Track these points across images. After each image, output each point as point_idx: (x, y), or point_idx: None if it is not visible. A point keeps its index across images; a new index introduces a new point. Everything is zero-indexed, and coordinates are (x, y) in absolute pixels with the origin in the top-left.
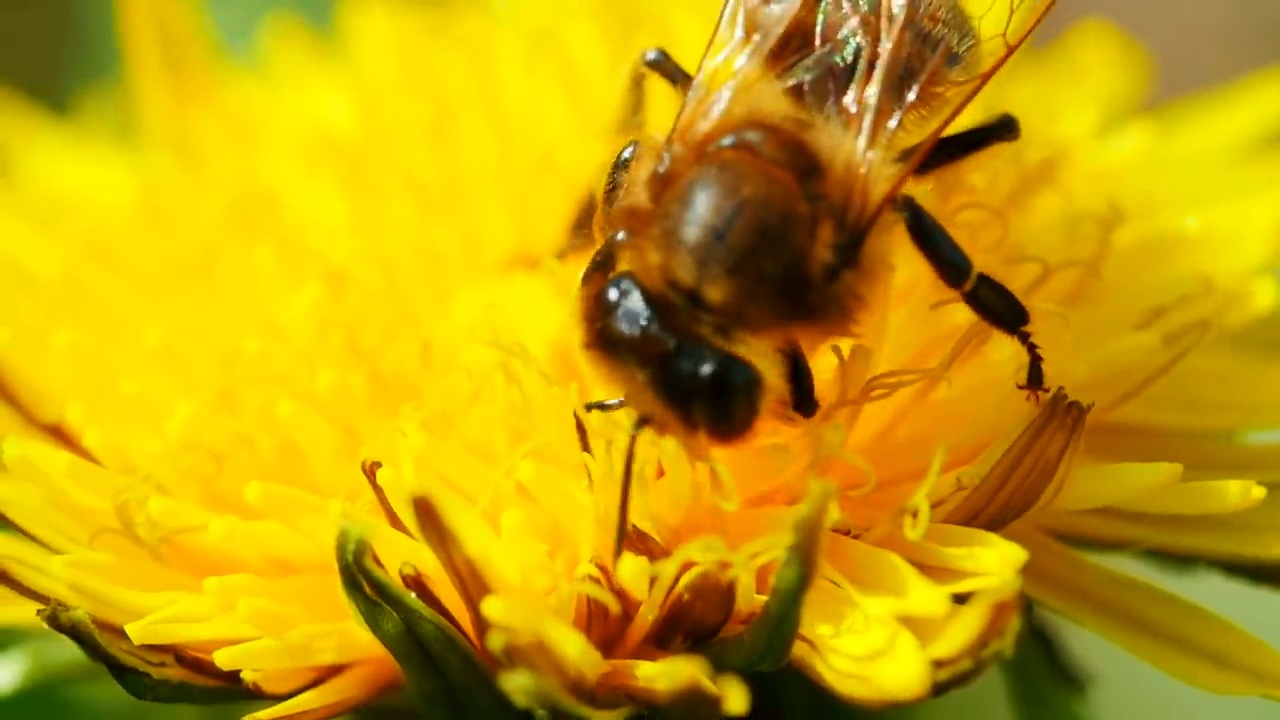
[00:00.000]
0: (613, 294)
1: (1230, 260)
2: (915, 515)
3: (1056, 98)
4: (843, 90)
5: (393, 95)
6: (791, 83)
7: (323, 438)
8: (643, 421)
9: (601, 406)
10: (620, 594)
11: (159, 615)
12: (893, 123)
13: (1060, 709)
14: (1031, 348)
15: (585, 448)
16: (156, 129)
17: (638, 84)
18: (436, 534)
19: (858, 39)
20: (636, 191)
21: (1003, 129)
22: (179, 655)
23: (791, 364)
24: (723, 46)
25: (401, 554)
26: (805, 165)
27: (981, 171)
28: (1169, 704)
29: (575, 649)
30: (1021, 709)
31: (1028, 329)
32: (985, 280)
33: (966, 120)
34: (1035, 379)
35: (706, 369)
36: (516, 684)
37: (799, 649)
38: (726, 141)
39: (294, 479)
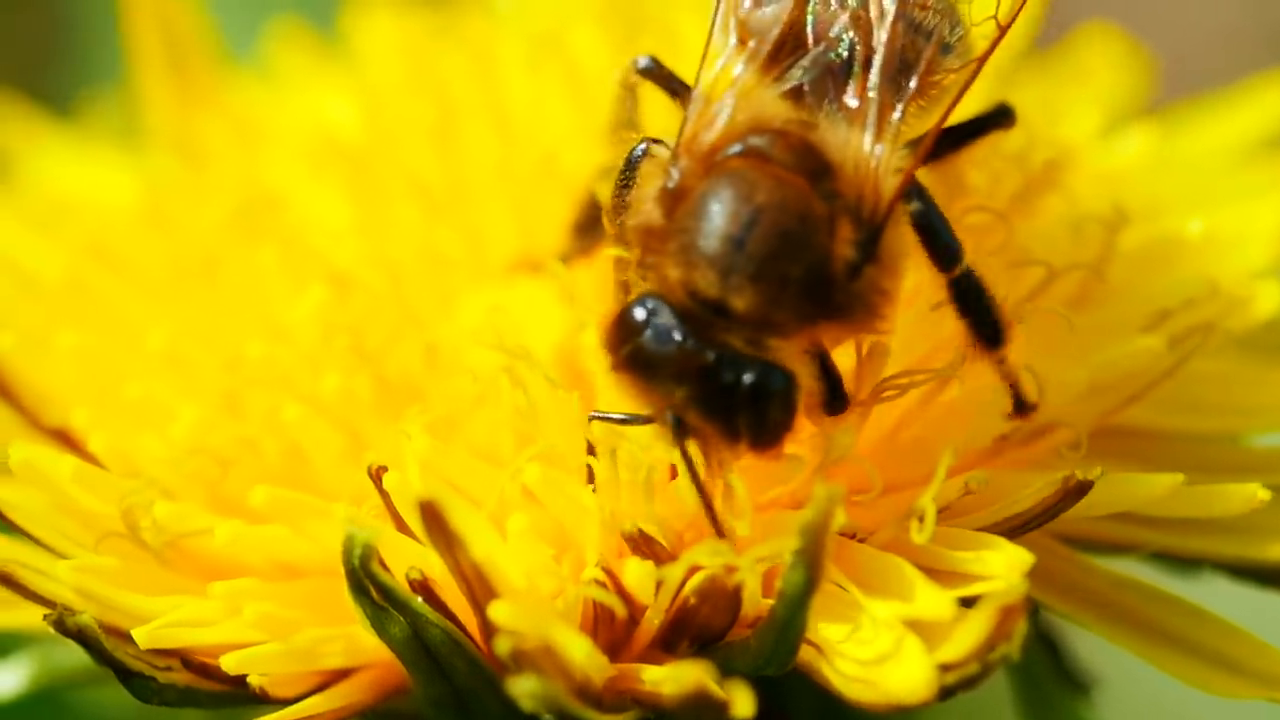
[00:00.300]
0: (639, 313)
1: (1235, 263)
2: (921, 519)
3: (1061, 99)
4: (842, 88)
5: (396, 98)
6: (790, 85)
7: (328, 441)
8: (680, 428)
9: (610, 419)
10: (626, 598)
11: (165, 619)
12: (896, 115)
13: (1066, 712)
14: (1006, 375)
15: (591, 451)
16: (160, 131)
17: (631, 91)
18: (443, 538)
19: (850, 35)
20: (647, 209)
21: (999, 117)
22: (185, 659)
23: (820, 363)
24: (718, 55)
25: (408, 558)
26: (815, 166)
27: (985, 173)
28: (1174, 707)
29: (582, 653)
30: (1028, 712)
31: (1005, 354)
32: (973, 276)
33: (965, 113)
34: (1020, 408)
35: (748, 378)
36: (523, 688)
37: (805, 653)
38: (734, 150)
39: (299, 483)
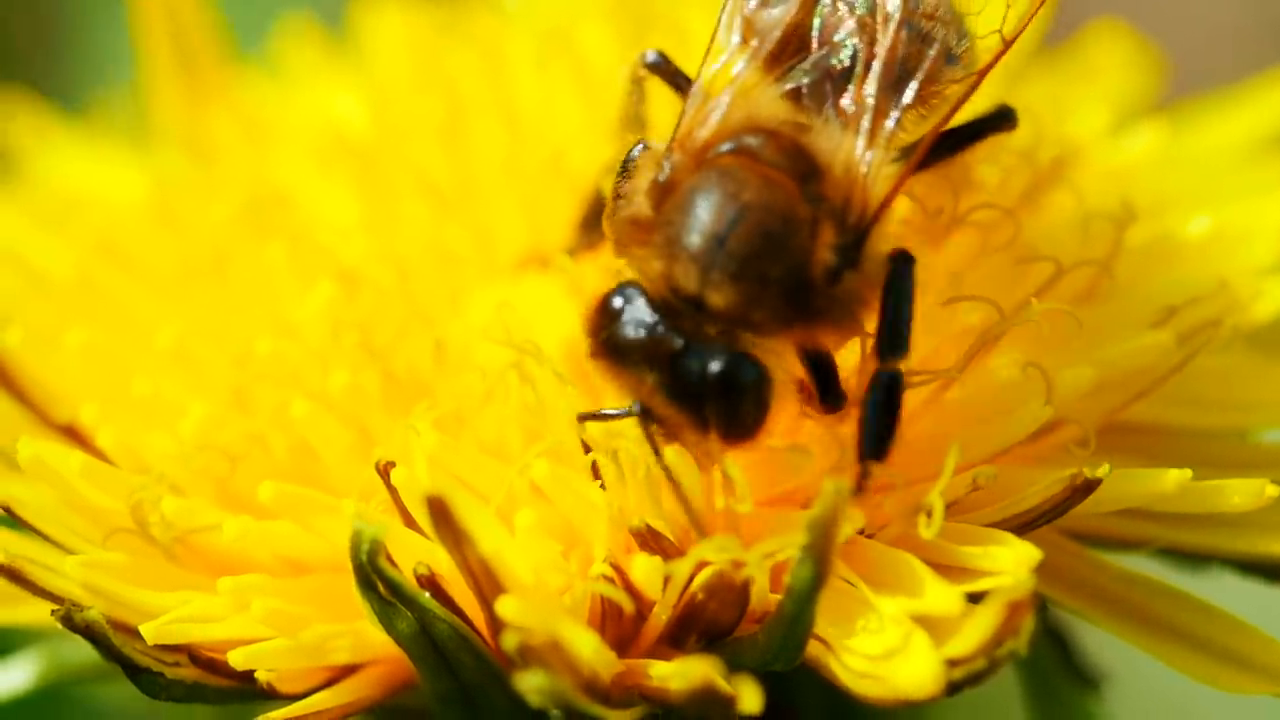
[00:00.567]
0: (617, 301)
1: (1242, 260)
2: (930, 514)
3: (1069, 97)
4: (840, 92)
5: (405, 95)
6: (790, 86)
7: (336, 437)
8: (647, 417)
9: (596, 417)
10: (634, 593)
11: (173, 615)
12: (890, 122)
13: (1075, 708)
14: (861, 484)
15: (586, 449)
16: (169, 128)
17: (638, 85)
18: (451, 534)
19: (854, 41)
20: (638, 201)
21: (1000, 120)
22: (193, 655)
23: (811, 359)
24: (721, 52)
25: (415, 554)
26: (804, 168)
27: (994, 170)
28: (1183, 703)
29: (589, 648)
30: (1036, 708)
31: (873, 468)
32: (899, 382)
33: (968, 115)
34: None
35: (716, 367)
36: (531, 683)
37: (813, 648)
38: (725, 148)
39: (307, 479)
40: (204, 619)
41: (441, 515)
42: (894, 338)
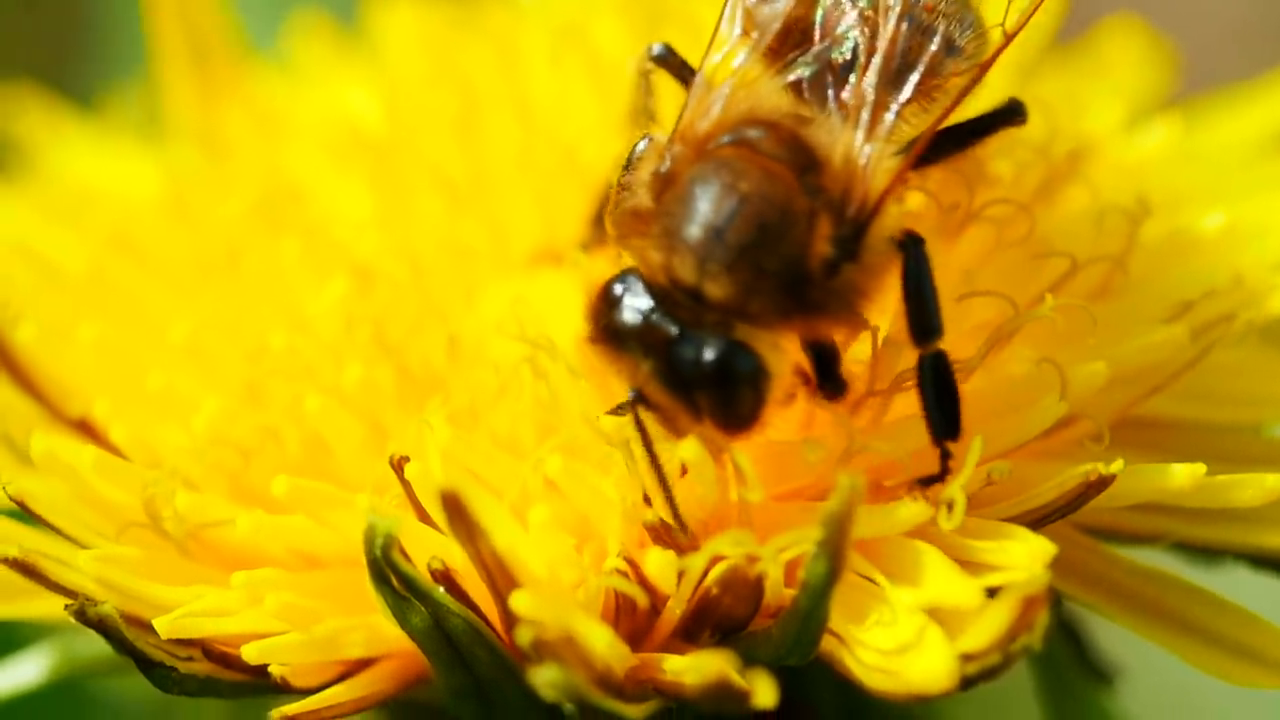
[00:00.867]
0: (617, 289)
1: (1256, 254)
2: (951, 506)
3: (1083, 92)
4: (841, 85)
5: (419, 90)
6: (791, 78)
7: (350, 432)
8: (642, 403)
9: (620, 411)
10: (648, 588)
11: (186, 609)
12: (890, 115)
13: (1089, 703)
14: (944, 465)
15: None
16: (183, 123)
17: (646, 78)
18: (464, 528)
19: (855, 33)
20: (640, 192)
21: (1010, 114)
22: (206, 649)
23: (813, 348)
24: (723, 44)
25: (429, 548)
26: (804, 160)
27: (1009, 165)
28: (1197, 697)
29: (603, 643)
30: (1050, 703)
31: (952, 446)
32: (944, 359)
33: (978, 109)
34: (925, 484)
35: (710, 354)
36: (544, 678)
37: (827, 643)
38: (725, 139)
39: (321, 473)
40: (217, 613)
41: (455, 510)
42: (923, 321)
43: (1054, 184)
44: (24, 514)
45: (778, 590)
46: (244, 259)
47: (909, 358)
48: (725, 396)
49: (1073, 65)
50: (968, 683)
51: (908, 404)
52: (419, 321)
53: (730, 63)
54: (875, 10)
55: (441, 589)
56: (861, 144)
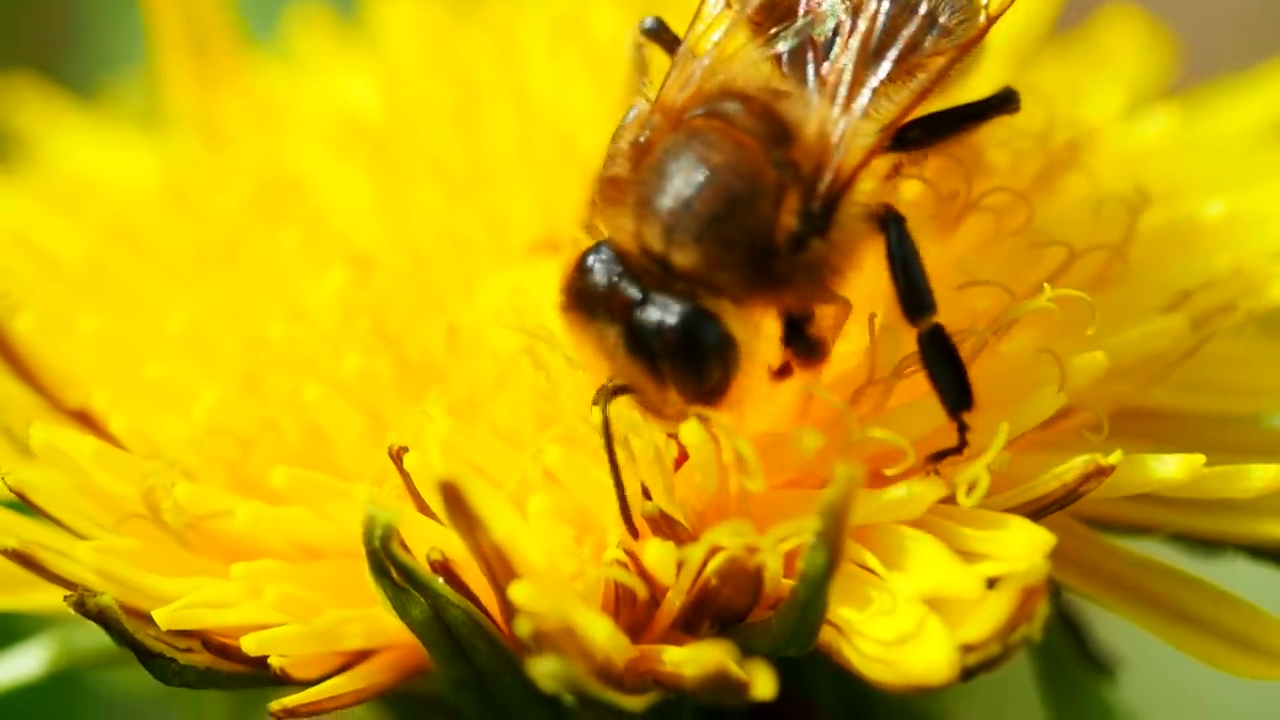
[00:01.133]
0: (590, 258)
1: (1256, 244)
2: (970, 488)
3: (1082, 81)
4: (821, 59)
5: (417, 80)
6: (773, 51)
7: (349, 422)
8: (618, 390)
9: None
10: (647, 579)
11: (186, 600)
12: (866, 91)
13: (1088, 694)
14: (962, 438)
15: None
16: (182, 113)
17: (639, 52)
18: (464, 519)
19: (838, 7)
20: (619, 161)
21: (1003, 101)
22: (206, 641)
23: (789, 319)
24: (706, 17)
25: (428, 539)
26: (776, 134)
27: (1007, 153)
28: (1196, 688)
29: (603, 634)
30: (1049, 694)
31: (968, 418)
32: (941, 333)
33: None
34: (939, 458)
35: (671, 319)
36: (544, 669)
37: (827, 633)
38: (700, 111)
39: (320, 464)
40: (217, 604)
41: (454, 500)
42: (915, 299)
43: (1053, 172)
44: (23, 505)
45: (777, 581)
46: (243, 249)
47: (908, 343)
48: (689, 364)
49: (1072, 53)
50: (968, 673)
51: (908, 391)
52: (418, 312)
53: (711, 35)
54: None
55: (441, 580)
56: (836, 119)
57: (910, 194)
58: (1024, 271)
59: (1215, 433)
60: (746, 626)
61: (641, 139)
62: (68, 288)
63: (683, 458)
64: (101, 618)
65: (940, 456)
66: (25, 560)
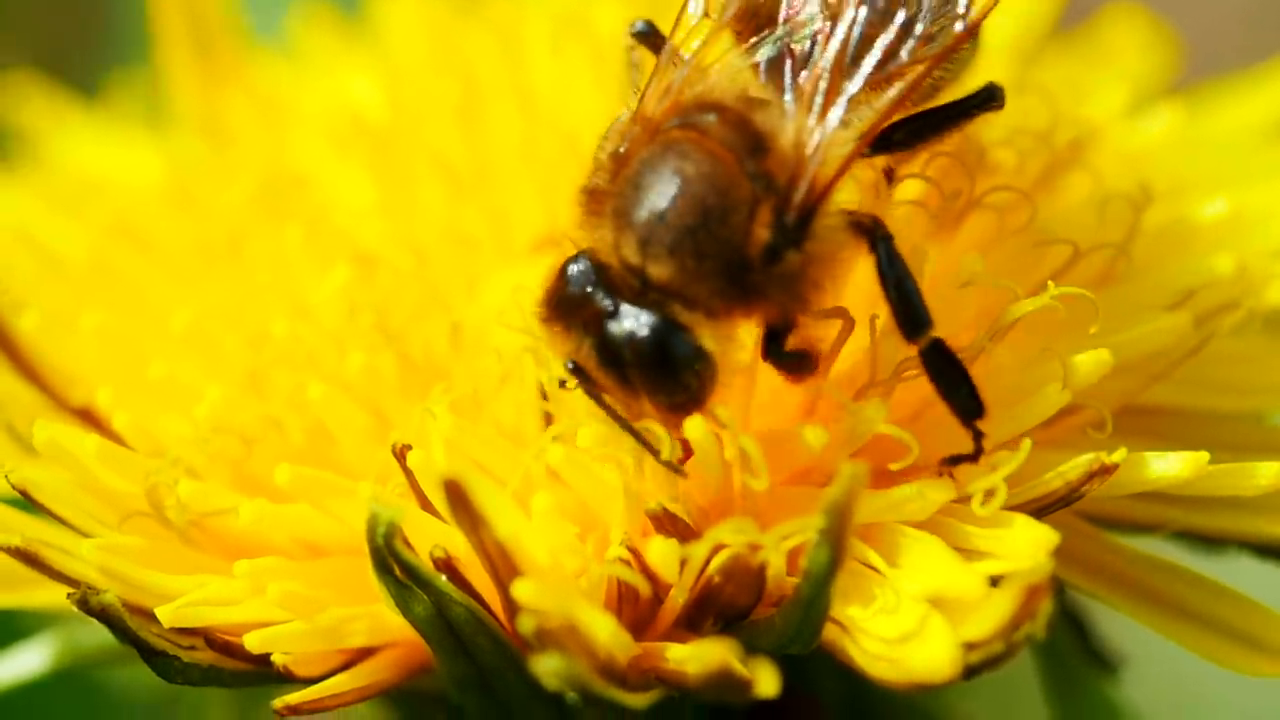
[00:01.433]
0: (569, 267)
1: (1260, 242)
2: (987, 497)
3: (1086, 79)
4: (798, 69)
5: (421, 77)
6: (751, 62)
7: (352, 420)
8: (581, 378)
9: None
10: (651, 576)
11: (189, 598)
12: (843, 100)
13: (1092, 691)
14: (978, 445)
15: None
16: (185, 111)
17: (631, 55)
18: (467, 517)
19: (817, 17)
20: (600, 172)
21: (986, 99)
22: (209, 638)
23: (767, 328)
24: (686, 25)
25: (432, 537)
26: (751, 145)
27: (1010, 152)
28: (1200, 685)
29: (606, 631)
30: (1053, 692)
31: (983, 426)
32: (942, 346)
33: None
34: (954, 463)
35: (641, 331)
36: (547, 666)
37: (830, 631)
38: (676, 122)
39: (324, 462)
40: (220, 602)
41: (458, 498)
42: (911, 318)
43: (1056, 171)
44: (27, 503)
45: (780, 579)
46: (246, 247)
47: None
48: (659, 375)
49: (1075, 52)
50: (971, 671)
51: (912, 393)
52: (421, 309)
53: (690, 45)
54: None
55: (444, 577)
56: (812, 129)
57: (913, 193)
58: (1027, 270)
59: (1219, 430)
60: (750, 624)
61: (620, 150)
62: (71, 285)
63: (687, 455)
64: (105, 615)
65: (955, 461)
66: (29, 558)
